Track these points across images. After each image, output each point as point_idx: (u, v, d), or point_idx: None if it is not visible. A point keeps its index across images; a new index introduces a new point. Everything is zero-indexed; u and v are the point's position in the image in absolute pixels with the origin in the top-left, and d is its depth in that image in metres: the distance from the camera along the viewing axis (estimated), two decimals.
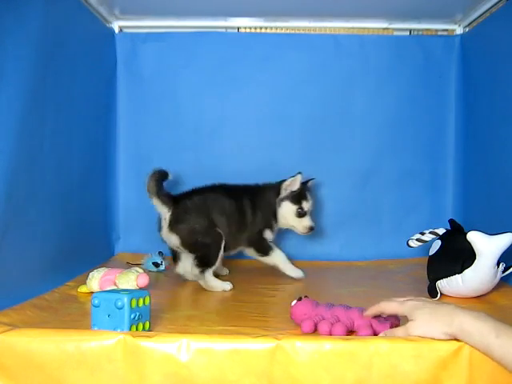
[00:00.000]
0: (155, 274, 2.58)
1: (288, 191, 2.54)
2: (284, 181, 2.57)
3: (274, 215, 2.57)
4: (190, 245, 2.36)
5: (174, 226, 2.37)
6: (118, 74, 3.05)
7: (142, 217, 3.06)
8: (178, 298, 2.12)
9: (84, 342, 1.43)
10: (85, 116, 2.58)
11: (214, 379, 1.42)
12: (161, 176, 2.43)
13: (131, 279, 2.04)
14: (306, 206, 2.55)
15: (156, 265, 2.62)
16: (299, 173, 2.53)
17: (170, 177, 2.47)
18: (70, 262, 2.32)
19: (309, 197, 2.57)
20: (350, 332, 1.63)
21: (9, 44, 1.80)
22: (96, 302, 1.56)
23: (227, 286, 2.28)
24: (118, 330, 1.51)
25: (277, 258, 2.51)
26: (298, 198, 2.54)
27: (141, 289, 1.98)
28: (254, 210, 2.52)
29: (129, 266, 2.55)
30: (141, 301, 1.59)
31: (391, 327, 1.61)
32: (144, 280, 2.03)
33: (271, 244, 2.54)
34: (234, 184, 2.60)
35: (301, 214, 2.54)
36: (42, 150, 2.09)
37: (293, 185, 2.53)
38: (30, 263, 1.99)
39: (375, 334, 1.61)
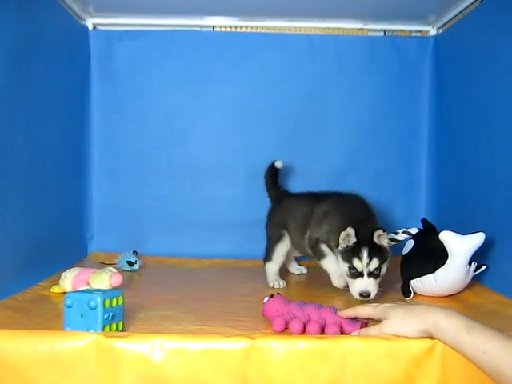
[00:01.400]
0: (129, 273, 2.57)
1: (344, 245, 2.07)
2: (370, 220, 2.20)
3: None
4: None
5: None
6: (91, 72, 3.02)
7: (116, 216, 3.05)
8: (153, 297, 2.11)
9: (57, 343, 1.42)
10: (58, 114, 2.55)
11: (188, 379, 1.42)
12: (271, 170, 2.70)
13: (104, 279, 2.03)
14: (358, 265, 2.01)
15: (130, 263, 2.61)
16: (350, 227, 2.02)
17: (279, 167, 2.68)
18: (42, 261, 2.29)
19: (365, 253, 2.00)
20: (323, 331, 1.64)
21: None
22: (69, 302, 1.54)
23: (275, 283, 2.36)
24: (91, 331, 1.49)
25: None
26: (349, 254, 2.04)
27: (114, 288, 1.97)
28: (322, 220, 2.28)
29: (102, 265, 2.53)
30: (114, 301, 1.57)
31: (361, 327, 1.63)
32: (117, 280, 2.02)
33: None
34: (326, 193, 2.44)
35: (353, 274, 2.03)
36: (14, 148, 2.06)
37: (346, 239, 2.05)
38: (1, 263, 1.96)
39: (343, 332, 1.63)
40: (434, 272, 2.07)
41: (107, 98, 3.04)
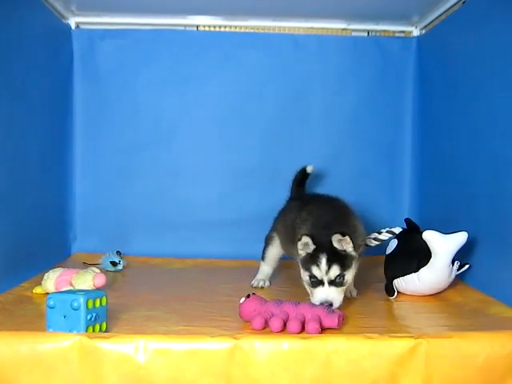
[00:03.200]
0: (113, 273, 2.55)
1: (302, 253, 1.95)
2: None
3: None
4: None
5: None
6: (74, 71, 3.00)
7: (100, 216, 3.04)
8: (137, 298, 2.10)
9: (39, 344, 1.41)
10: (40, 114, 2.53)
11: (172, 379, 1.41)
12: (301, 173, 2.66)
13: (88, 279, 2.01)
14: (317, 272, 1.89)
15: (114, 264, 2.59)
16: (306, 234, 1.92)
17: (310, 172, 2.65)
18: (24, 262, 2.27)
19: (323, 260, 1.88)
20: (303, 327, 1.65)
21: None
22: (51, 303, 1.53)
23: (256, 282, 2.36)
24: (74, 332, 1.48)
25: None
26: (308, 262, 1.92)
27: (97, 289, 1.95)
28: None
29: (85, 266, 2.51)
30: (97, 301, 1.57)
31: (339, 319, 1.67)
32: (101, 280, 2.01)
33: None
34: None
35: (314, 282, 1.91)
36: None
37: (305, 248, 1.93)
38: None
39: (323, 326, 1.65)
40: (417, 271, 2.09)
41: (90, 98, 3.03)
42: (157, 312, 1.89)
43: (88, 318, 1.52)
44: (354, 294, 2.15)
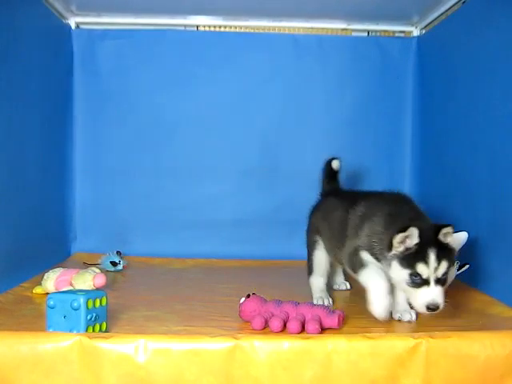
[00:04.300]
0: (113, 273, 2.55)
1: (401, 248, 1.69)
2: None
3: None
4: None
5: None
6: (74, 71, 3.00)
7: (100, 216, 3.04)
8: (137, 298, 2.10)
9: (39, 344, 1.41)
10: (40, 114, 2.53)
11: (172, 380, 1.41)
12: (327, 167, 2.37)
13: (88, 279, 2.01)
14: (424, 270, 1.66)
15: (114, 264, 2.59)
16: (411, 226, 1.66)
17: (336, 167, 2.36)
18: (24, 262, 2.27)
19: (433, 256, 1.66)
20: (303, 327, 1.66)
21: None
22: (51, 303, 1.53)
23: (318, 300, 2.04)
24: (74, 332, 1.48)
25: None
26: (411, 258, 1.68)
27: (97, 289, 1.96)
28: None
29: (85, 266, 2.51)
30: (97, 301, 1.57)
31: (339, 319, 1.67)
32: (101, 280, 2.01)
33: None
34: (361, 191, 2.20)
35: (416, 282, 1.67)
36: None
37: (406, 241, 1.69)
38: None
39: (323, 326, 1.65)
40: None
41: (90, 98, 3.03)
42: (157, 312, 1.89)
43: (88, 318, 1.52)
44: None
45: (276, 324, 1.64)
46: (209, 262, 2.85)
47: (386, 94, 3.09)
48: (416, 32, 3.10)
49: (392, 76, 3.09)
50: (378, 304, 1.70)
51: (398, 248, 1.68)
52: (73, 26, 3.00)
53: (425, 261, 1.64)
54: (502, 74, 2.09)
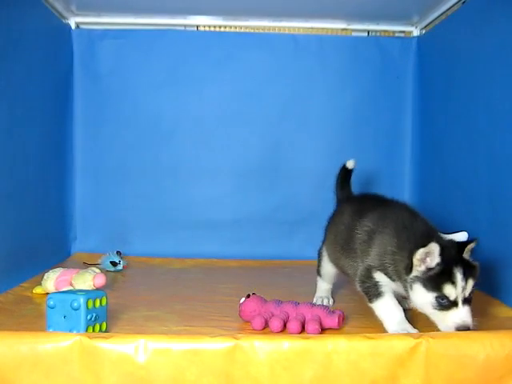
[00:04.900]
0: (113, 273, 2.55)
1: (422, 268, 1.57)
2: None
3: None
4: None
5: None
6: (74, 71, 3.00)
7: (100, 216, 3.04)
8: (137, 298, 2.10)
9: (39, 344, 1.40)
10: (40, 114, 2.53)
11: (172, 380, 1.41)
12: (342, 170, 2.30)
13: (88, 279, 2.01)
14: (451, 291, 1.54)
15: (114, 264, 2.59)
16: (432, 240, 1.55)
17: (351, 167, 2.29)
18: (24, 262, 2.27)
19: (459, 276, 1.54)
20: (303, 327, 1.66)
21: None
22: (51, 303, 1.53)
23: (317, 299, 2.06)
24: (74, 332, 1.48)
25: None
26: (436, 279, 1.55)
27: (97, 289, 1.96)
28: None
29: (85, 266, 2.51)
30: (97, 301, 1.57)
31: (339, 319, 1.68)
32: (101, 280, 2.01)
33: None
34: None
35: (444, 305, 1.55)
36: None
37: (427, 260, 1.56)
38: None
39: (323, 326, 1.66)
40: None
41: (90, 98, 3.03)
42: (157, 312, 1.89)
43: (88, 318, 1.52)
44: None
45: (276, 324, 1.64)
46: (209, 262, 2.85)
47: (385, 93, 3.09)
48: (416, 32, 3.10)
49: (392, 76, 3.09)
50: (392, 325, 1.63)
51: (418, 268, 1.56)
52: (73, 26, 3.00)
53: (452, 281, 1.53)
54: (502, 74, 2.09)
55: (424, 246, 1.53)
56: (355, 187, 2.86)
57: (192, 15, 3.03)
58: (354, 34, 3.14)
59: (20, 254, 2.23)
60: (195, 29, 3.11)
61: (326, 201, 3.07)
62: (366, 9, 2.86)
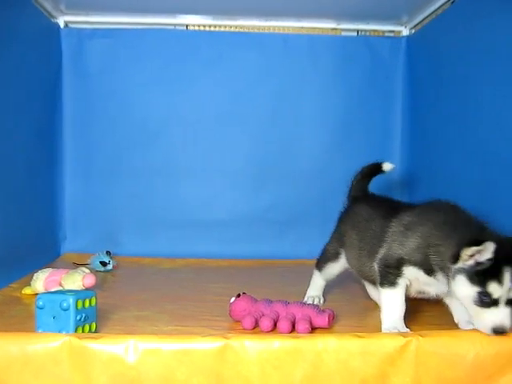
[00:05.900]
0: (102, 273, 2.54)
1: (470, 262, 1.52)
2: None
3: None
4: None
5: None
6: (63, 70, 2.99)
7: (89, 216, 3.03)
8: (127, 298, 2.09)
9: (29, 345, 1.40)
10: (29, 113, 2.52)
11: (162, 380, 1.41)
12: (372, 168, 2.21)
13: (77, 280, 2.01)
14: (496, 290, 1.49)
15: (103, 264, 2.58)
16: (487, 240, 1.48)
17: (388, 170, 2.18)
18: (13, 262, 2.26)
19: (508, 276, 1.49)
20: (294, 327, 1.66)
21: None
22: (40, 303, 1.52)
23: (307, 299, 2.04)
24: (64, 332, 1.48)
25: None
26: (483, 275, 1.50)
27: (87, 289, 1.95)
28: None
29: (75, 266, 2.50)
30: (87, 302, 1.56)
31: (329, 319, 1.69)
32: (90, 280, 2.00)
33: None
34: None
35: (485, 302, 1.50)
36: None
37: (479, 255, 1.50)
38: None
39: (313, 325, 1.67)
40: None
41: (79, 97, 3.02)
42: (147, 312, 1.88)
43: (77, 318, 1.51)
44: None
45: (266, 323, 1.64)
46: (199, 262, 2.84)
47: (375, 93, 3.10)
48: (405, 32, 3.11)
49: (381, 75, 3.10)
50: (387, 320, 1.64)
51: (466, 261, 1.51)
52: (62, 25, 2.99)
53: (499, 280, 1.47)
54: (491, 73, 2.10)
55: (476, 240, 1.49)
56: (346, 187, 2.87)
57: (182, 14, 3.03)
58: (343, 33, 3.14)
59: (9, 254, 2.22)
60: (185, 28, 3.10)
61: (317, 201, 3.10)
62: (355, 8, 2.87)
